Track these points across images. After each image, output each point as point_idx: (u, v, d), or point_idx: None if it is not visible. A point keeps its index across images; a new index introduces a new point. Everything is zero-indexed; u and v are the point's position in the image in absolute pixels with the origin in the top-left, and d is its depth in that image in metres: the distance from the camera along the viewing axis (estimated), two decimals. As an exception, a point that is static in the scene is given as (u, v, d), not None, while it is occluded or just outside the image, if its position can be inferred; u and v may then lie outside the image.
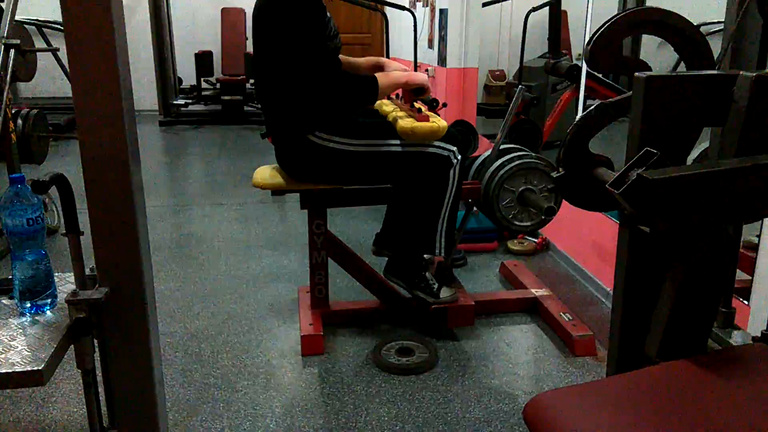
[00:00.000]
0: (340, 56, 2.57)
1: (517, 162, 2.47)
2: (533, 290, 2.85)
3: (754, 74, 1.14)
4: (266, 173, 2.47)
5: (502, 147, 2.57)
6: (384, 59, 2.60)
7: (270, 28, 2.22)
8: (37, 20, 6.86)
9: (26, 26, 5.73)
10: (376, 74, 2.31)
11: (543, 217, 2.51)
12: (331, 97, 2.24)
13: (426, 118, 2.28)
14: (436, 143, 2.32)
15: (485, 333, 2.62)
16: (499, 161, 2.50)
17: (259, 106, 8.09)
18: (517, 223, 2.54)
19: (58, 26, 6.81)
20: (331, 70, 2.26)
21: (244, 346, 2.50)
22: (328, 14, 2.27)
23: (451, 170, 2.35)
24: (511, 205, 2.50)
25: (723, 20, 1.66)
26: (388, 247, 2.53)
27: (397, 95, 2.58)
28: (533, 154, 2.55)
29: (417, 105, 2.39)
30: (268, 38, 2.25)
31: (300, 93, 2.24)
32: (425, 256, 2.59)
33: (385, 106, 2.53)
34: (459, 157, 2.36)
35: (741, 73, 1.17)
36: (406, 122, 2.27)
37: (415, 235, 2.44)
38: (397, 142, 2.31)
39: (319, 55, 2.20)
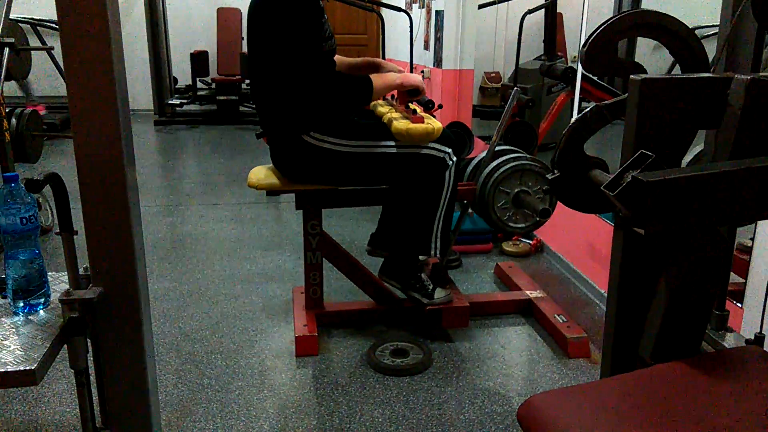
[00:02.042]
0: (336, 56, 2.57)
1: (513, 164, 2.47)
2: (528, 292, 2.86)
3: (749, 77, 1.14)
4: (261, 173, 2.47)
5: (497, 149, 2.58)
6: (379, 60, 2.60)
7: (266, 29, 2.22)
8: (32, 19, 6.84)
9: (21, 25, 5.71)
10: (371, 75, 2.31)
11: (538, 219, 2.51)
12: (325, 97, 2.24)
13: (421, 120, 2.28)
14: (431, 145, 2.32)
15: (480, 334, 2.62)
16: (495, 163, 2.50)
17: (254, 105, 8.07)
18: (512, 224, 2.54)
19: (53, 25, 6.79)
20: (325, 71, 2.26)
21: (238, 347, 2.50)
22: (325, 16, 2.27)
23: (447, 172, 2.35)
24: (507, 206, 2.51)
25: (718, 23, 1.66)
26: (384, 248, 2.53)
27: (393, 96, 2.59)
28: (528, 156, 2.55)
29: (412, 106, 2.38)
30: (263, 38, 2.24)
31: (295, 93, 2.24)
32: (420, 257, 2.59)
33: (380, 107, 2.53)
34: (454, 158, 2.36)
35: (735, 76, 1.17)
36: (401, 123, 2.27)
37: (410, 236, 2.44)
38: (392, 143, 2.31)
39: (314, 56, 2.20)
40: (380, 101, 2.60)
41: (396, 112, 2.42)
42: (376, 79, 2.29)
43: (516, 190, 2.49)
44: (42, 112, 5.34)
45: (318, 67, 2.20)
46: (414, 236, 2.43)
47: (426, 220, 2.39)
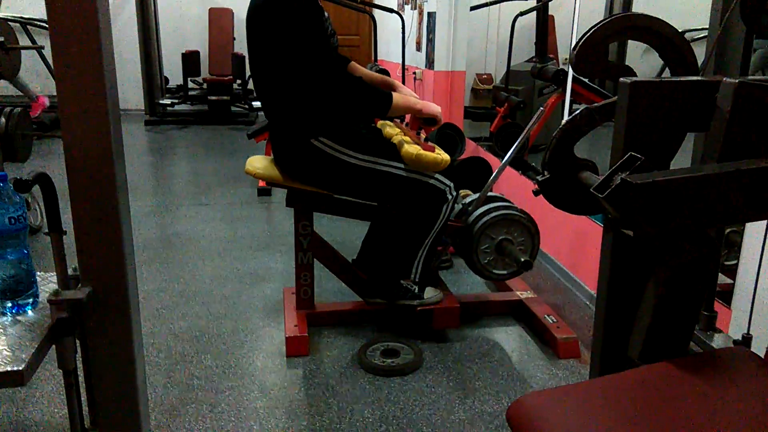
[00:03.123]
0: (356, 65, 2.57)
1: (503, 212, 2.50)
2: (518, 292, 2.87)
3: (737, 80, 1.15)
4: (259, 163, 2.47)
5: (489, 194, 2.59)
6: (398, 83, 2.59)
7: (270, 30, 2.21)
8: (21, 17, 6.79)
9: (10, 23, 5.66)
10: (393, 93, 2.32)
11: (517, 269, 2.55)
12: (342, 100, 2.24)
13: (431, 149, 2.29)
14: (437, 175, 2.34)
15: (470, 335, 2.62)
16: (485, 207, 2.53)
17: (247, 106, 8.05)
18: (492, 270, 2.57)
19: (43, 24, 6.75)
20: (337, 69, 2.26)
21: (229, 347, 2.49)
22: (326, 13, 2.28)
23: (445, 205, 2.37)
24: (488, 251, 2.53)
25: (707, 27, 1.68)
26: (366, 271, 2.54)
27: (402, 120, 2.58)
28: (518, 207, 2.57)
29: (422, 134, 2.39)
30: (268, 39, 2.23)
31: (307, 94, 2.23)
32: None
33: (389, 128, 2.52)
34: (454, 193, 2.38)
35: (724, 79, 1.18)
36: (412, 148, 2.28)
37: (394, 260, 2.46)
38: (401, 165, 2.32)
39: (323, 55, 2.20)
40: (389, 122, 2.60)
41: (406, 135, 2.42)
42: (397, 97, 2.31)
43: (500, 238, 2.51)
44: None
45: (328, 66, 2.21)
46: (398, 260, 2.45)
47: (413, 246, 2.41)
